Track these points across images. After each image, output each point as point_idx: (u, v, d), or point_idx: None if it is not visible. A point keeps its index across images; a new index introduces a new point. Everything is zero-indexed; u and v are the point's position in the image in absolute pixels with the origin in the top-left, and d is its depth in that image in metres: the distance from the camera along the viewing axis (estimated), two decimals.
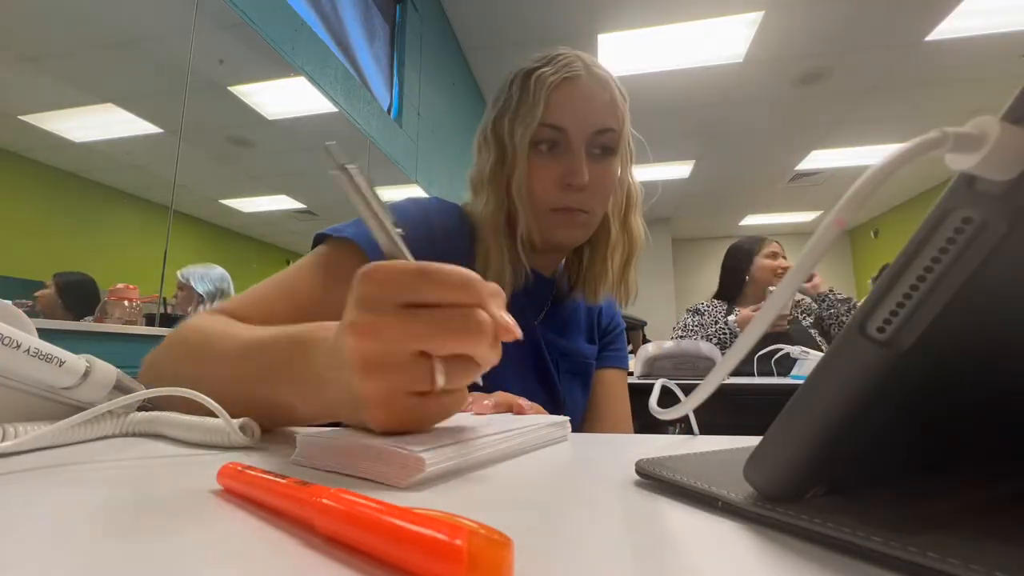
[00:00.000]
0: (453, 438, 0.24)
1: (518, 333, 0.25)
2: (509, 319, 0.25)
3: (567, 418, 0.37)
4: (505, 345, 0.62)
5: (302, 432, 0.26)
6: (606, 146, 0.57)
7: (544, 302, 0.64)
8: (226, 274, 1.95)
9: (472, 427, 0.28)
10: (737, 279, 1.81)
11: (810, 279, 1.71)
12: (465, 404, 0.27)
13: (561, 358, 0.63)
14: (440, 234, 0.57)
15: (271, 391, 0.31)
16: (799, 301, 1.76)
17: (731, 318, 1.71)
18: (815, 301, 1.72)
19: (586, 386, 0.67)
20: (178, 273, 1.85)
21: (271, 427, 0.34)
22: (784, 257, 1.79)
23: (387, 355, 0.23)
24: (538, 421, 0.33)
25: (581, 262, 0.66)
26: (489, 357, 0.25)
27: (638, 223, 0.64)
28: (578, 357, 0.65)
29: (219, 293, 1.89)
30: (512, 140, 0.57)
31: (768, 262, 1.78)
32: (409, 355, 0.23)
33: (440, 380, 0.24)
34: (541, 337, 0.61)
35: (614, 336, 0.73)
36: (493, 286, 0.26)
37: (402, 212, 0.58)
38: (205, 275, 1.88)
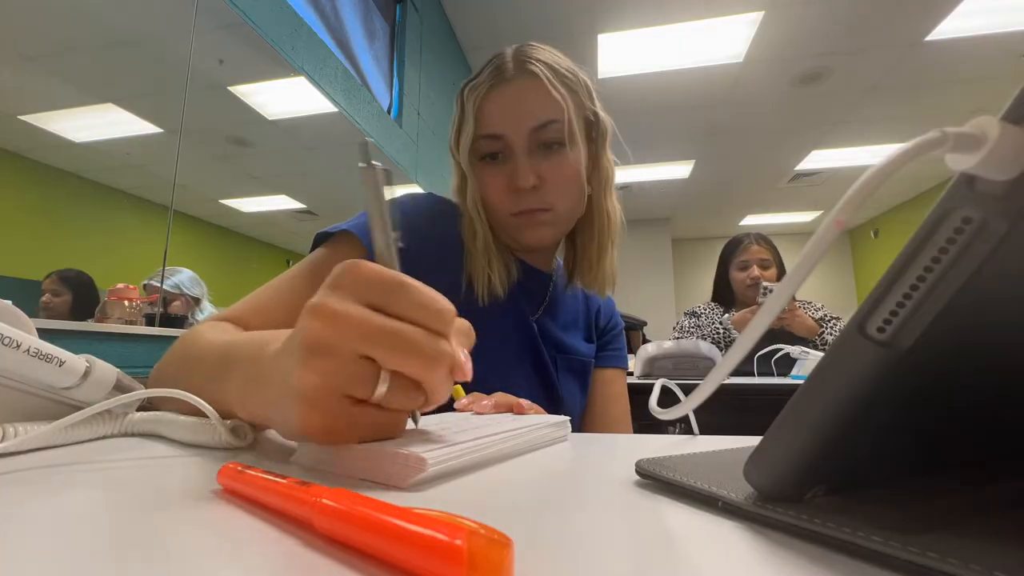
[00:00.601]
0: (454, 438, 0.24)
1: (468, 374, 0.24)
2: (466, 361, 0.24)
3: (567, 418, 0.36)
4: (504, 341, 0.61)
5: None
6: (553, 139, 0.55)
7: (541, 297, 0.64)
8: (194, 275, 1.87)
9: (473, 427, 0.28)
10: (723, 283, 1.80)
11: (789, 308, 1.59)
12: (431, 405, 0.25)
13: (559, 355, 0.63)
14: (437, 229, 0.58)
15: (219, 389, 0.30)
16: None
17: (726, 316, 1.71)
18: (818, 323, 1.65)
19: (584, 385, 0.67)
20: (156, 283, 1.72)
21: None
22: (765, 257, 1.72)
23: (336, 346, 0.22)
24: (538, 421, 0.33)
25: (575, 251, 0.65)
26: (438, 389, 0.24)
27: (612, 204, 0.63)
28: (576, 355, 0.65)
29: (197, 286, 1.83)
30: (460, 157, 0.58)
31: (738, 275, 1.74)
32: (357, 354, 0.22)
33: (381, 389, 0.22)
34: (538, 333, 0.61)
35: (613, 336, 0.73)
36: (465, 324, 0.26)
37: (401, 207, 0.58)
38: (185, 280, 1.82)
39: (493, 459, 0.27)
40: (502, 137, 0.55)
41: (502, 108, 0.55)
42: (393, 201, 0.57)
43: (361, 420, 0.23)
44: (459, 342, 0.25)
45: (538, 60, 0.56)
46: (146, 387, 0.32)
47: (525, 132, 0.54)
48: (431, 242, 0.56)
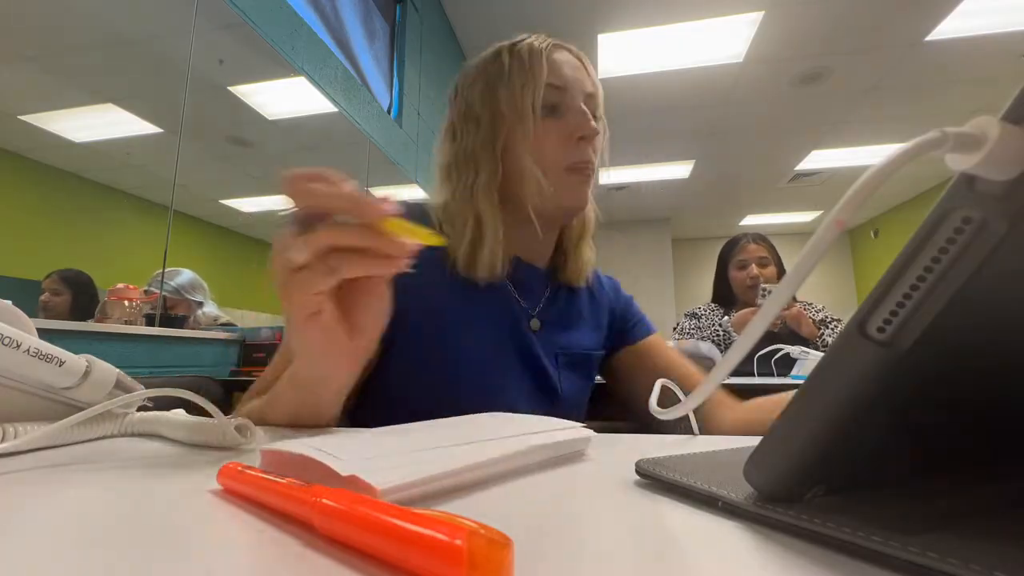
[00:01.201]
0: (415, 458, 0.21)
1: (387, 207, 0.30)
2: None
3: (590, 433, 0.31)
4: (497, 352, 0.58)
5: (267, 445, 0.23)
6: (596, 109, 0.59)
7: (540, 295, 0.63)
8: (194, 276, 1.86)
9: (464, 453, 0.23)
10: (722, 283, 1.80)
11: (789, 307, 1.60)
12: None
13: (560, 352, 0.61)
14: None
15: (309, 373, 0.37)
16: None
17: (725, 319, 1.70)
18: (818, 326, 1.65)
19: (588, 375, 0.65)
20: (155, 289, 1.69)
21: (313, 422, 0.40)
22: (763, 255, 1.72)
23: (281, 245, 0.31)
24: (550, 441, 0.27)
25: (562, 245, 0.65)
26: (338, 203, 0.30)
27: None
28: (577, 350, 0.63)
29: (201, 289, 1.82)
30: (515, 105, 0.56)
31: (737, 274, 1.73)
32: (288, 235, 0.31)
33: (300, 250, 0.30)
34: (536, 340, 0.58)
35: (633, 311, 0.71)
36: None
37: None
38: (185, 284, 1.79)
39: (474, 481, 0.23)
40: (566, 89, 0.56)
41: (568, 64, 0.58)
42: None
43: (293, 279, 0.31)
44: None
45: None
46: (261, 412, 0.41)
47: (583, 93, 0.57)
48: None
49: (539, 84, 0.56)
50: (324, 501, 0.14)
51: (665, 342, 0.71)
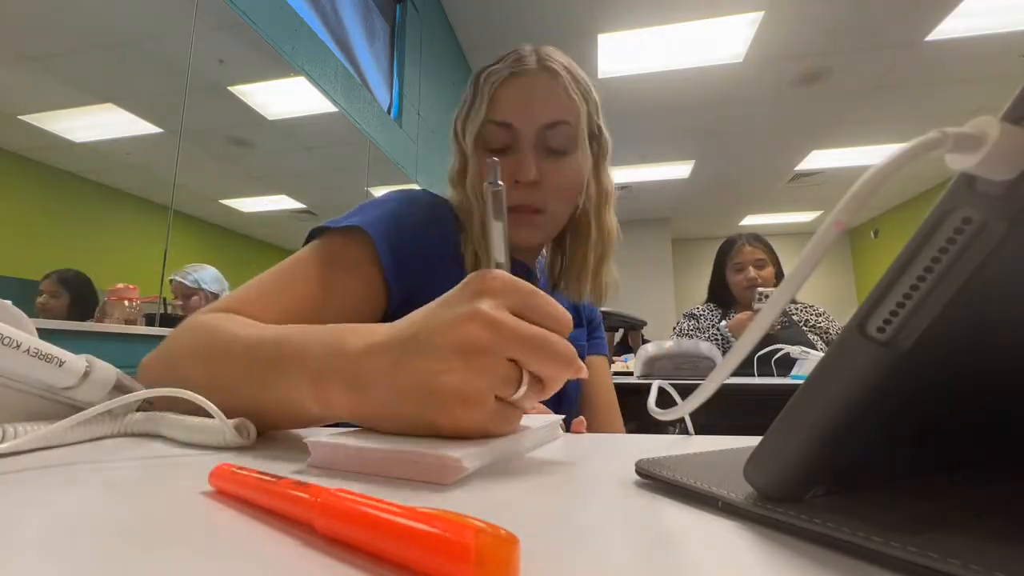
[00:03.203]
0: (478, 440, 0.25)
1: (587, 373, 0.28)
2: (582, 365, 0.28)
3: (560, 417, 0.37)
4: None
5: (312, 437, 0.25)
6: (560, 142, 0.55)
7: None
8: (218, 273, 1.92)
9: None
10: (719, 285, 1.80)
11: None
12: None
13: None
14: (431, 223, 0.56)
15: (275, 386, 0.30)
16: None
17: (723, 324, 1.70)
18: (821, 334, 1.65)
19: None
20: (179, 279, 1.80)
21: (265, 431, 0.32)
22: (760, 257, 1.71)
23: (494, 349, 0.24)
24: (535, 423, 0.33)
25: (561, 261, 0.65)
26: (557, 388, 0.27)
27: (612, 220, 0.63)
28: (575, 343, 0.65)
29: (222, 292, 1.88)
30: (464, 140, 0.57)
31: (734, 277, 1.73)
32: (508, 356, 0.25)
33: (522, 389, 0.25)
34: None
35: (596, 324, 0.75)
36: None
37: (394, 202, 0.55)
38: (206, 276, 1.86)
39: (496, 460, 0.27)
40: (511, 127, 0.54)
41: (517, 98, 0.55)
42: (410, 199, 0.56)
43: (505, 415, 0.26)
44: None
45: (559, 61, 0.56)
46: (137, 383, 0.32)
47: (535, 127, 0.54)
48: (433, 236, 0.55)
49: (478, 121, 0.55)
50: (327, 501, 0.14)
51: (608, 368, 0.76)
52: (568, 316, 0.27)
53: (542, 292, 0.27)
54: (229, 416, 0.28)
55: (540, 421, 0.34)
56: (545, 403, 0.57)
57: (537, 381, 0.26)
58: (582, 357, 0.67)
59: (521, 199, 0.55)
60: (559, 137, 0.55)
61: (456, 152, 0.61)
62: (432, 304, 0.28)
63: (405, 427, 0.26)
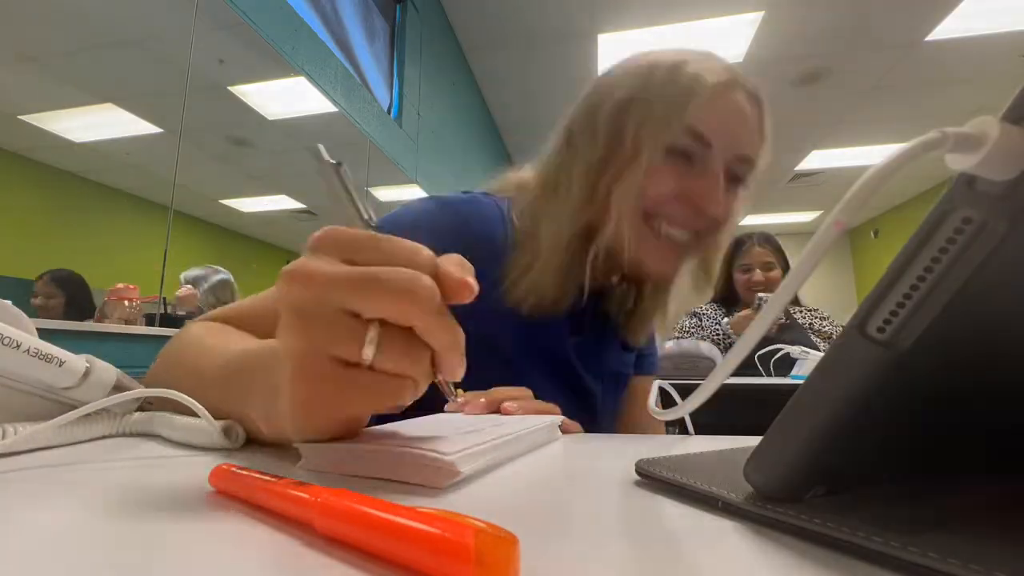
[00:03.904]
0: (467, 440, 0.24)
1: (474, 287, 0.22)
2: (465, 274, 0.22)
3: (559, 419, 0.36)
4: (535, 363, 0.53)
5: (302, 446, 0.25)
6: (739, 177, 0.49)
7: (585, 318, 0.56)
8: (227, 281, 1.92)
9: (474, 429, 0.28)
10: (725, 284, 1.80)
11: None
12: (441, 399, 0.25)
13: (600, 372, 0.58)
14: (475, 239, 0.50)
15: (236, 403, 0.29)
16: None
17: (725, 321, 1.70)
18: (825, 339, 1.66)
19: (620, 391, 0.63)
20: (187, 281, 1.80)
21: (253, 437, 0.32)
22: (768, 260, 1.71)
23: (313, 300, 0.21)
24: (531, 424, 0.32)
25: (634, 296, 0.58)
26: (434, 330, 0.21)
27: (714, 274, 0.57)
28: (613, 369, 0.60)
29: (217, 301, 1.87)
30: (639, 135, 0.46)
31: (741, 276, 1.73)
32: (337, 309, 0.20)
33: (369, 347, 0.20)
34: (576, 357, 0.55)
35: (652, 344, 0.68)
36: (455, 256, 0.23)
37: (430, 216, 0.51)
38: (205, 279, 1.85)
39: (493, 463, 0.27)
40: (710, 146, 0.46)
41: (728, 115, 0.47)
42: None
43: (353, 385, 0.21)
44: (452, 263, 0.22)
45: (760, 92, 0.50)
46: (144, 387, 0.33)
47: (729, 155, 0.47)
48: (469, 243, 0.47)
49: (676, 125, 0.45)
50: (327, 501, 0.14)
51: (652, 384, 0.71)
52: (426, 251, 0.22)
53: (388, 236, 0.22)
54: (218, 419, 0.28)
55: (539, 422, 0.33)
56: (577, 417, 0.46)
57: (399, 334, 0.21)
58: (623, 381, 0.62)
59: (688, 223, 0.48)
60: (741, 173, 0.49)
61: (599, 144, 0.48)
62: None
63: (321, 430, 0.24)
